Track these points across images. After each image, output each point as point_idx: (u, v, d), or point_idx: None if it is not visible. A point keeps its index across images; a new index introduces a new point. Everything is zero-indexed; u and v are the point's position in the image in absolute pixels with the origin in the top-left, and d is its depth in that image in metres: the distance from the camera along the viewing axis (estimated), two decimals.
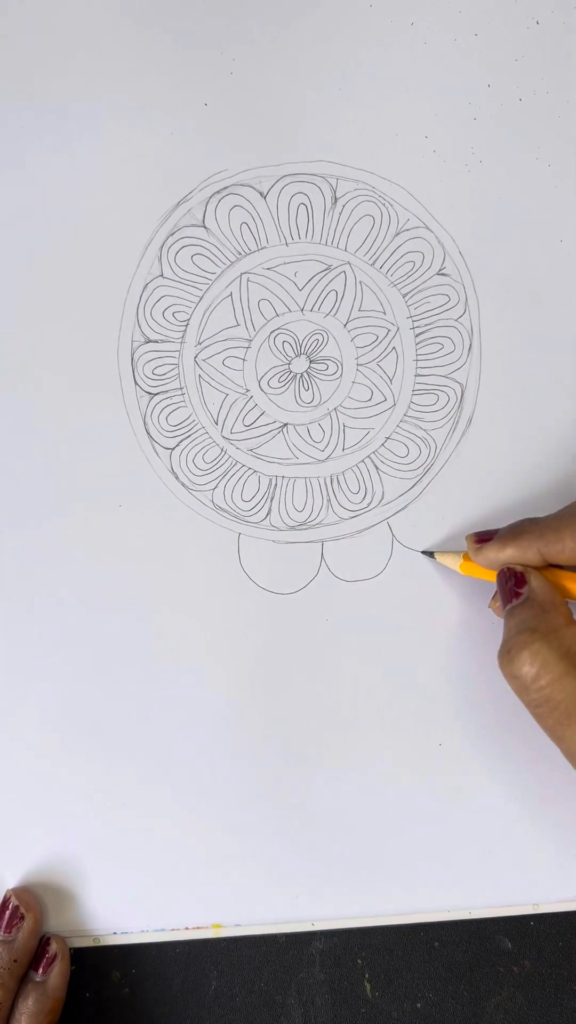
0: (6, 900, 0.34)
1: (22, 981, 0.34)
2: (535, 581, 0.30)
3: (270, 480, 0.36)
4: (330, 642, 0.36)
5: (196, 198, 0.36)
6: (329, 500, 0.36)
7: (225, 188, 0.36)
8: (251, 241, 0.36)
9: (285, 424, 0.36)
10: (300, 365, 0.36)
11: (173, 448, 0.36)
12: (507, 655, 0.29)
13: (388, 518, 0.36)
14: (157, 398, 0.36)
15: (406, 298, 0.36)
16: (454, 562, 0.34)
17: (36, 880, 0.36)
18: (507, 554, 0.31)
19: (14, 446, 0.36)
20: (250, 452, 0.36)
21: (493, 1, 0.36)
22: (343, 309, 0.36)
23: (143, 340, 0.36)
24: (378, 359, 0.36)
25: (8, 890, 0.35)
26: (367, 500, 0.36)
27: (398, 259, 0.36)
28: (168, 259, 0.36)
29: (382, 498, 0.36)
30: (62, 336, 0.36)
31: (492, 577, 0.32)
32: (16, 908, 0.34)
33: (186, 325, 0.36)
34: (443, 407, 0.37)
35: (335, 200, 0.36)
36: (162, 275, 0.36)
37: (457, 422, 0.37)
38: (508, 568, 0.31)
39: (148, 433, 0.36)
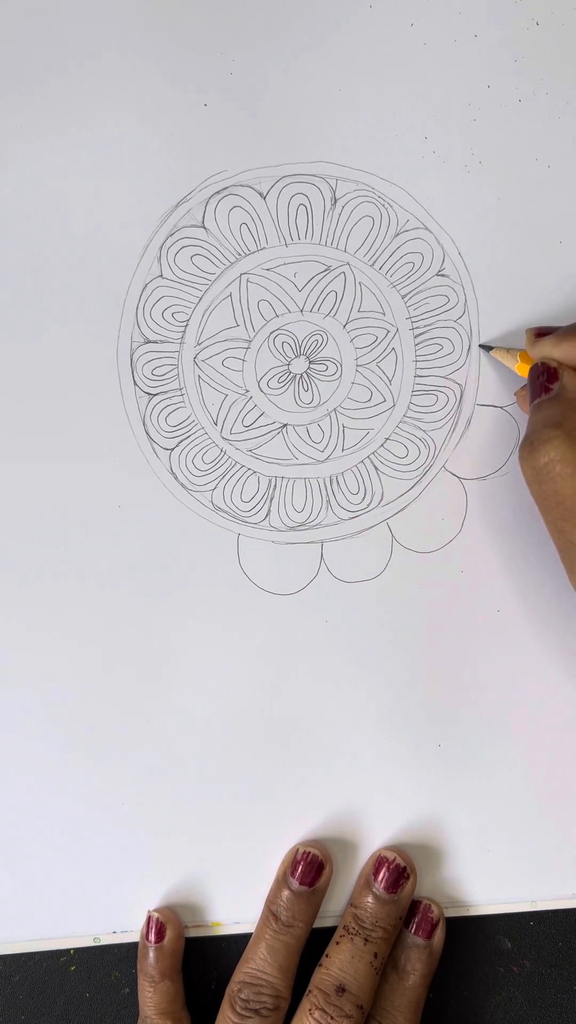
0: (384, 858, 0.35)
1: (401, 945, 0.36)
2: (568, 378, 0.30)
3: (270, 481, 0.36)
4: (330, 643, 0.36)
5: (195, 199, 0.36)
6: (329, 501, 0.36)
7: (225, 189, 0.36)
8: (251, 242, 0.36)
9: (284, 425, 0.36)
10: (299, 366, 0.36)
11: (172, 449, 0.36)
12: (529, 446, 0.30)
13: (388, 519, 0.36)
14: (156, 399, 0.36)
15: (405, 299, 0.36)
16: (512, 360, 0.34)
17: (35, 880, 0.36)
18: (561, 349, 0.31)
19: (13, 446, 0.36)
20: (249, 453, 0.36)
21: (493, 2, 0.36)
22: (342, 310, 0.36)
23: (142, 341, 0.36)
24: (377, 360, 0.36)
25: (384, 849, 0.36)
26: (367, 501, 0.36)
27: (397, 260, 0.36)
28: (167, 259, 0.36)
29: (381, 499, 0.36)
30: (61, 336, 0.36)
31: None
32: (402, 868, 0.35)
33: (185, 326, 0.36)
34: (442, 408, 0.37)
35: (335, 201, 0.36)
36: (161, 275, 0.36)
37: (456, 423, 0.37)
38: (543, 363, 0.31)
39: (147, 434, 0.36)
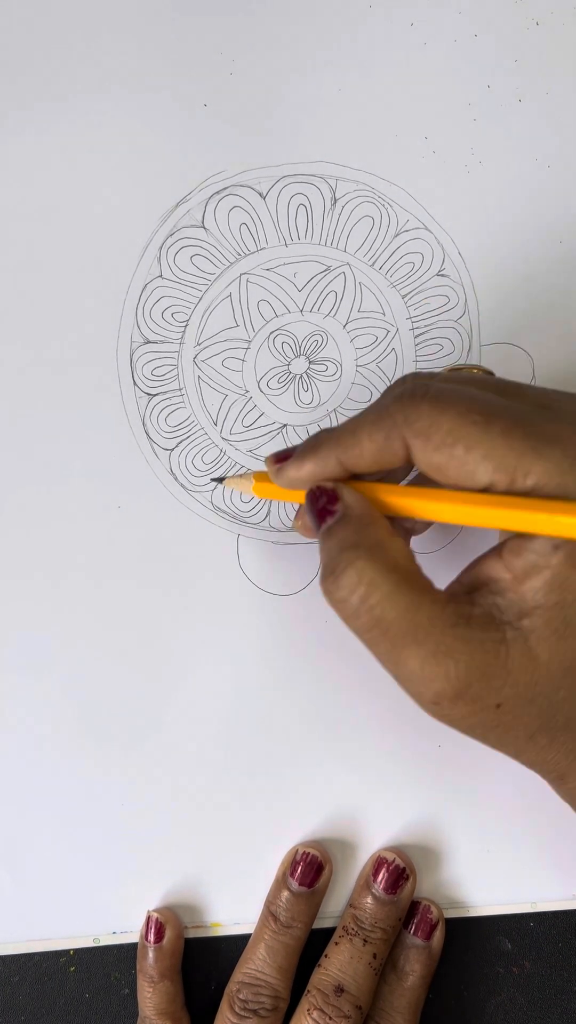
0: (383, 859, 0.35)
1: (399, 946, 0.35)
2: (348, 496, 0.27)
3: None
4: (330, 643, 0.36)
5: (195, 199, 0.36)
6: None
7: (224, 189, 0.36)
8: (250, 242, 0.36)
9: (284, 425, 0.36)
10: (299, 366, 0.36)
11: (172, 449, 0.36)
12: (332, 578, 0.25)
13: None
14: (156, 399, 0.36)
15: (406, 299, 0.36)
16: (246, 485, 0.31)
17: (35, 881, 0.36)
18: (307, 469, 0.27)
19: (13, 446, 0.36)
20: (249, 453, 0.36)
21: (493, 2, 0.36)
22: (342, 310, 0.36)
23: (142, 341, 0.36)
24: (377, 360, 0.36)
25: (384, 850, 0.35)
26: None
27: (398, 260, 0.36)
28: (167, 260, 0.36)
29: None
30: (61, 336, 0.36)
31: (295, 498, 0.29)
32: (401, 869, 0.35)
33: (185, 326, 0.36)
34: None
35: (335, 201, 0.36)
36: (161, 276, 0.36)
37: None
38: (318, 486, 0.27)
39: (147, 434, 0.36)
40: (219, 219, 0.36)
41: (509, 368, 0.36)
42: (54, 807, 0.36)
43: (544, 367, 0.37)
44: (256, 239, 0.36)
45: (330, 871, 0.36)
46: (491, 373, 0.31)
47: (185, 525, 0.36)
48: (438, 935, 0.35)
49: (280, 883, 0.35)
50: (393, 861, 0.35)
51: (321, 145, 0.36)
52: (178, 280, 0.36)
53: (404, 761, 0.36)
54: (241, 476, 0.32)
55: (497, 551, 0.25)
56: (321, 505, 0.27)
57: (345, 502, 0.27)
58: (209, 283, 0.36)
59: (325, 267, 0.36)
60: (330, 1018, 0.32)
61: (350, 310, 0.36)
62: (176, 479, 0.36)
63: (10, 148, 0.35)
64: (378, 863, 0.35)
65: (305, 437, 0.36)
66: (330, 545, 0.26)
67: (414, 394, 0.25)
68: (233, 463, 0.36)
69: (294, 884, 0.35)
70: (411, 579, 0.25)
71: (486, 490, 0.24)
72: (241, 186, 0.36)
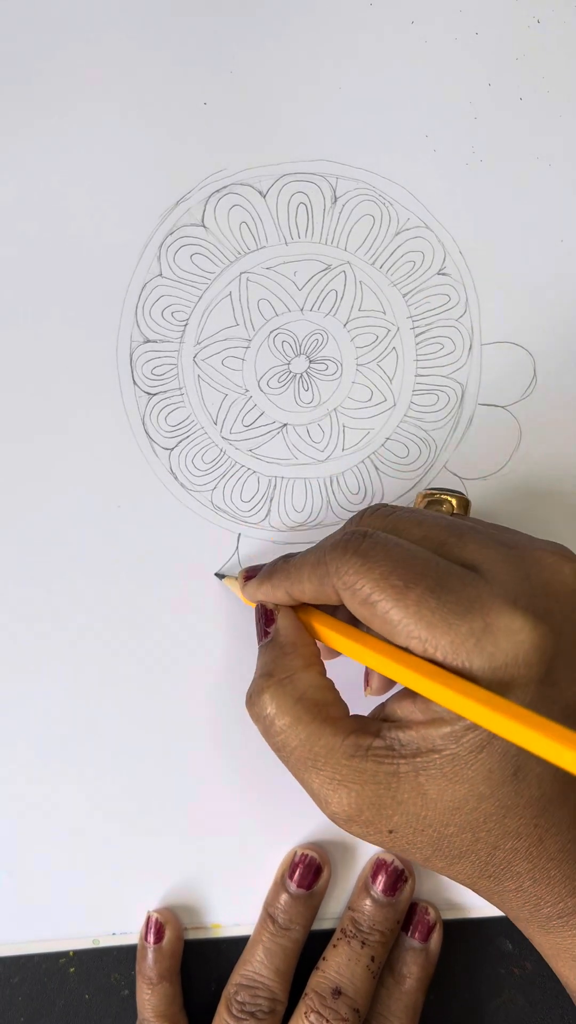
0: (383, 861, 0.35)
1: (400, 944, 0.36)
2: (282, 621, 0.30)
3: (269, 480, 0.36)
4: None
5: (195, 197, 0.35)
6: (329, 501, 0.36)
7: (224, 187, 0.36)
8: (250, 240, 0.36)
9: (284, 424, 0.36)
10: (300, 365, 0.36)
11: (172, 448, 0.36)
12: (249, 698, 0.29)
13: None
14: (156, 398, 0.36)
15: (406, 298, 0.36)
16: (238, 590, 0.33)
17: (34, 882, 0.36)
18: (262, 591, 0.30)
19: (12, 446, 0.35)
20: (249, 452, 0.36)
21: (493, 0, 0.36)
22: (343, 309, 0.36)
23: (142, 340, 0.36)
24: (378, 359, 0.36)
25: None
26: (367, 501, 0.36)
27: (398, 259, 0.36)
28: (167, 258, 0.36)
29: (382, 499, 0.36)
30: (60, 335, 0.35)
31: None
32: (400, 871, 0.35)
33: (185, 325, 0.36)
34: (443, 407, 0.36)
35: (335, 199, 0.36)
36: (161, 274, 0.36)
37: (457, 422, 0.36)
38: (261, 605, 0.30)
39: (147, 433, 0.36)
40: (219, 218, 0.36)
41: (510, 367, 0.36)
42: (54, 808, 0.36)
43: (545, 365, 0.36)
44: (256, 238, 0.36)
45: (329, 873, 0.35)
46: (465, 500, 0.33)
47: (185, 524, 0.36)
48: (436, 937, 0.35)
49: (279, 885, 0.35)
50: (392, 863, 0.35)
51: (321, 143, 0.36)
52: (178, 279, 0.36)
53: None
54: (234, 579, 0.34)
55: (412, 692, 0.27)
56: (260, 625, 0.30)
57: (277, 627, 0.29)
58: (209, 282, 0.36)
59: (325, 266, 0.36)
60: (327, 1021, 0.32)
61: (350, 309, 0.36)
62: (176, 478, 0.36)
63: (10, 147, 0.35)
64: (377, 865, 0.35)
65: (305, 437, 0.36)
66: (258, 665, 0.29)
67: (347, 546, 0.27)
68: (233, 462, 0.36)
69: (292, 886, 0.35)
70: (314, 710, 0.27)
71: (405, 648, 0.26)
72: (241, 184, 0.36)
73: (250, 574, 0.32)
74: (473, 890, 0.28)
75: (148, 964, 0.35)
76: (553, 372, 0.37)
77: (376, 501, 0.36)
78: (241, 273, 0.36)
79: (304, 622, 0.30)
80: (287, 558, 0.30)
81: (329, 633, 0.29)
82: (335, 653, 0.32)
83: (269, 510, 0.36)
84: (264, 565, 0.31)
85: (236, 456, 0.36)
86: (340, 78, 0.36)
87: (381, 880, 0.35)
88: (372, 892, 0.35)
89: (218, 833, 0.36)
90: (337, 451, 0.36)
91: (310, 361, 0.36)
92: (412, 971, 0.35)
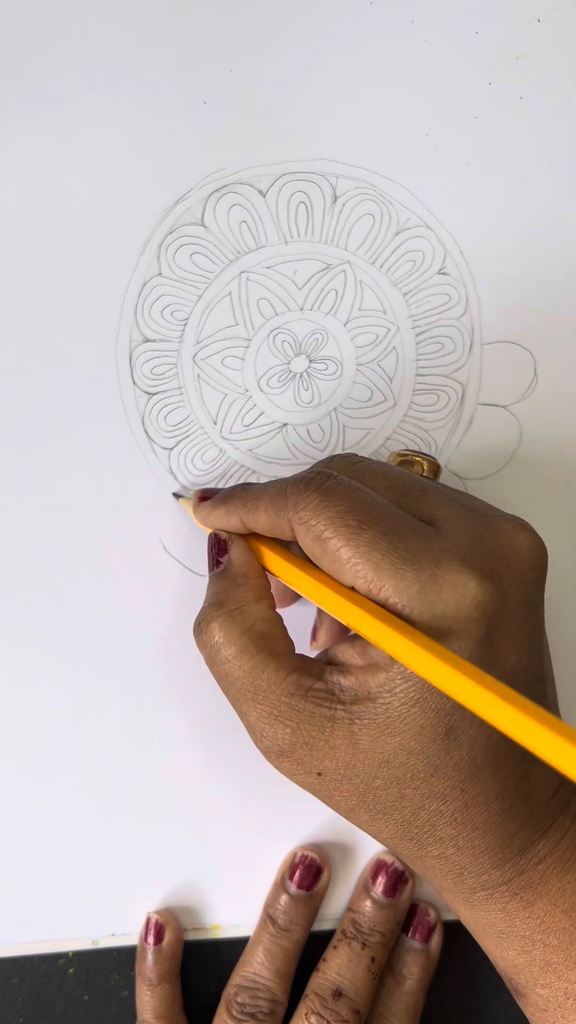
0: (382, 862, 0.35)
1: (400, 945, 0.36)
2: (235, 551, 0.29)
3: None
4: None
5: (195, 196, 0.35)
6: None
7: (224, 186, 0.35)
8: (250, 240, 0.36)
9: (284, 424, 0.36)
10: (299, 365, 0.36)
11: (172, 448, 0.36)
12: (197, 626, 0.29)
13: None
14: (155, 398, 0.36)
15: (406, 297, 0.36)
16: (189, 508, 0.33)
17: (34, 882, 0.36)
18: (215, 515, 0.30)
19: (11, 446, 0.35)
20: (249, 452, 0.36)
21: None
22: (343, 308, 0.36)
23: (141, 339, 0.36)
24: (378, 359, 0.36)
25: (384, 853, 0.35)
26: None
27: (398, 258, 0.36)
28: (167, 257, 0.35)
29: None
30: (60, 335, 0.35)
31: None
32: (400, 872, 0.35)
33: (185, 324, 0.36)
34: (444, 407, 0.36)
35: (335, 199, 0.36)
36: (160, 274, 0.36)
37: (458, 422, 0.36)
38: (214, 534, 0.30)
39: (147, 433, 0.36)
40: (219, 217, 0.35)
41: (511, 367, 0.36)
42: (53, 808, 0.36)
43: (546, 365, 0.36)
44: (256, 237, 0.36)
45: (329, 874, 0.35)
46: (436, 464, 0.33)
47: (185, 524, 0.36)
48: (436, 938, 0.35)
49: (279, 886, 0.35)
50: (392, 864, 0.35)
51: (321, 143, 0.36)
52: (178, 278, 0.36)
53: None
54: (189, 499, 0.33)
55: (354, 637, 0.27)
56: (212, 554, 0.30)
57: (230, 556, 0.29)
58: (209, 281, 0.36)
59: (325, 265, 0.36)
60: (328, 1022, 0.32)
61: (350, 308, 0.36)
62: (176, 478, 0.36)
63: (10, 146, 0.35)
64: (377, 866, 0.35)
65: (305, 437, 0.36)
66: (207, 595, 0.29)
67: (310, 483, 0.27)
68: (232, 462, 0.36)
69: (292, 887, 0.35)
70: (260, 643, 0.27)
71: (351, 588, 0.26)
72: (241, 184, 0.35)
73: (205, 495, 0.31)
74: (397, 853, 0.28)
75: (148, 965, 0.35)
76: (554, 372, 0.36)
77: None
78: (241, 272, 0.36)
79: (255, 551, 0.30)
80: (245, 486, 0.30)
81: (278, 563, 0.28)
82: (284, 603, 0.32)
83: None
84: (221, 489, 0.31)
85: (236, 456, 0.36)
86: (340, 77, 0.36)
87: (381, 881, 0.35)
88: (372, 893, 0.35)
89: (218, 834, 0.36)
90: (337, 451, 0.36)
91: (310, 361, 0.36)
92: (413, 972, 0.35)
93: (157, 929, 0.35)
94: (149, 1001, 0.34)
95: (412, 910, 0.35)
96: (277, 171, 0.36)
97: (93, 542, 0.36)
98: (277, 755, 0.27)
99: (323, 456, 0.36)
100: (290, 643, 0.29)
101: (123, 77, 0.35)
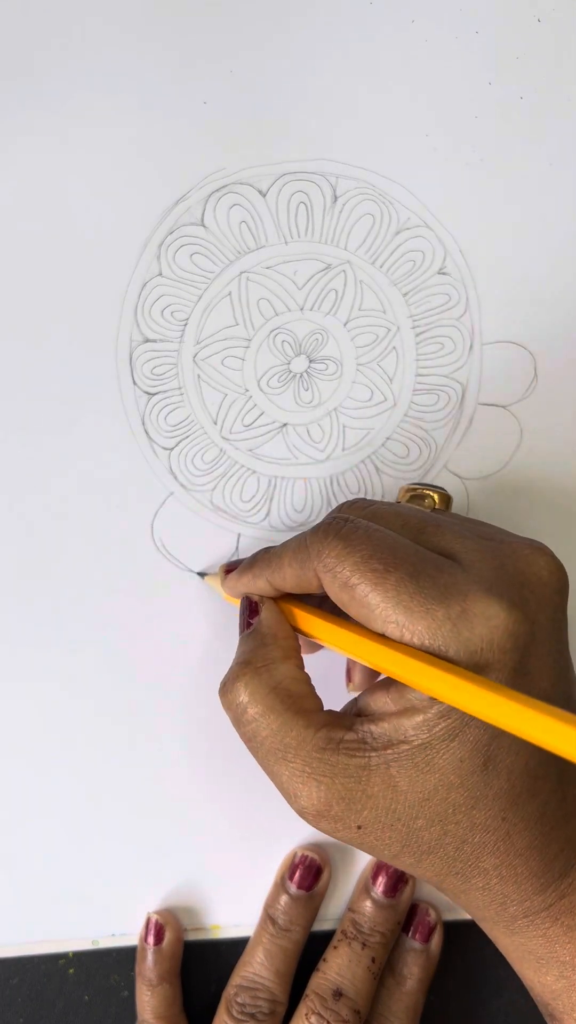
0: (381, 865, 0.35)
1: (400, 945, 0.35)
2: (265, 612, 0.29)
3: (269, 480, 0.36)
4: None
5: (195, 196, 0.35)
6: (329, 501, 0.36)
7: (224, 186, 0.35)
8: (250, 240, 0.36)
9: (284, 424, 0.36)
10: (300, 365, 0.36)
11: (172, 448, 0.36)
12: (223, 686, 0.28)
13: None
14: (156, 398, 0.36)
15: (406, 297, 0.36)
16: (219, 586, 0.33)
17: (34, 883, 0.36)
18: (243, 583, 0.30)
19: (10, 446, 0.35)
20: (249, 452, 0.36)
21: None
22: (343, 308, 0.36)
23: (141, 339, 0.36)
24: (378, 359, 0.36)
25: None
26: None
27: (398, 258, 0.36)
28: (167, 258, 0.35)
29: (382, 499, 0.36)
30: (59, 335, 0.35)
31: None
32: (399, 874, 0.35)
33: (185, 324, 0.36)
34: (444, 407, 0.36)
35: (335, 199, 0.36)
36: (161, 274, 0.36)
37: (458, 422, 0.36)
38: (246, 597, 0.30)
39: (147, 433, 0.36)
40: (219, 217, 0.35)
41: (511, 367, 0.36)
42: (53, 809, 0.36)
43: (546, 365, 0.36)
44: (256, 237, 0.36)
45: (329, 874, 0.35)
46: (447, 496, 0.33)
47: (185, 524, 0.36)
48: (436, 938, 0.35)
49: (279, 886, 0.35)
50: (393, 869, 0.35)
51: (321, 143, 0.36)
52: (178, 278, 0.36)
53: None
54: (216, 576, 0.34)
55: (386, 684, 0.27)
56: (244, 616, 0.30)
57: (260, 617, 0.29)
58: (209, 281, 0.36)
59: (325, 265, 0.36)
60: (328, 1022, 0.32)
61: (351, 308, 0.36)
62: (176, 478, 0.36)
63: (10, 146, 0.35)
64: (377, 866, 0.35)
65: (305, 437, 0.36)
66: (236, 653, 0.29)
67: (329, 529, 0.27)
68: (232, 462, 0.36)
69: (292, 887, 0.35)
70: (288, 701, 0.27)
71: (382, 634, 0.26)
72: (241, 184, 0.35)
73: (230, 568, 0.32)
74: (440, 889, 0.28)
75: (148, 966, 0.35)
76: (554, 372, 0.36)
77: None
78: (241, 272, 0.36)
79: (286, 612, 0.30)
80: (267, 549, 0.30)
81: (309, 619, 0.29)
82: (316, 647, 0.32)
83: (269, 510, 0.36)
84: (238, 560, 0.32)
85: (236, 456, 0.36)
86: (340, 77, 0.36)
87: (381, 881, 0.35)
88: (372, 893, 0.35)
89: (218, 834, 0.36)
90: (337, 451, 0.36)
91: (310, 361, 0.36)
92: (413, 972, 0.35)
93: (157, 929, 0.35)
94: (149, 1001, 0.34)
95: (412, 910, 0.35)
96: (277, 171, 0.36)
97: (93, 542, 0.36)
98: (314, 815, 0.26)
99: (322, 455, 0.36)
100: (318, 700, 0.28)
101: (123, 77, 0.35)
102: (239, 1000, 0.33)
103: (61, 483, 0.35)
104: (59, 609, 0.36)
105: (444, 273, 0.36)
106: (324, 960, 0.34)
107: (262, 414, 0.36)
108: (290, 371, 0.36)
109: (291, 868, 0.35)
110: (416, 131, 0.36)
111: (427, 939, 0.35)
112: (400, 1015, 0.34)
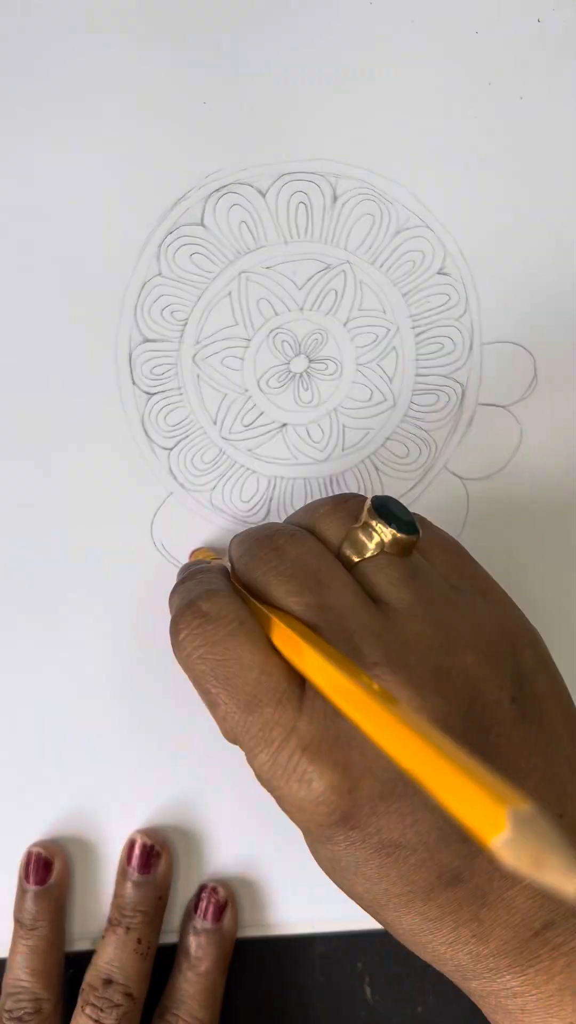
0: (132, 840, 0.35)
1: (190, 932, 0.35)
2: None
3: (269, 481, 0.36)
4: None
5: (195, 196, 0.35)
6: None
7: (224, 186, 0.35)
8: (250, 240, 0.36)
9: (284, 424, 0.36)
10: (299, 365, 0.36)
11: (171, 448, 0.36)
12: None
13: None
14: (155, 398, 0.36)
15: (406, 297, 0.36)
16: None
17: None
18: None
19: (10, 445, 0.35)
20: (249, 452, 0.36)
21: None
22: (342, 308, 0.36)
23: (141, 339, 0.36)
24: (378, 359, 0.36)
25: (134, 832, 0.35)
26: None
27: (398, 258, 0.36)
28: (166, 257, 0.35)
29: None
30: (59, 335, 0.35)
31: None
32: (150, 847, 0.35)
33: (184, 324, 0.36)
34: (443, 407, 0.36)
35: (335, 199, 0.36)
36: (160, 274, 0.36)
37: (458, 422, 0.36)
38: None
39: (146, 433, 0.36)
40: (219, 217, 0.35)
41: (511, 367, 0.36)
42: (50, 806, 0.36)
43: (545, 365, 0.36)
44: (256, 237, 0.36)
45: (64, 867, 0.35)
46: (405, 541, 0.27)
47: (184, 524, 0.36)
48: (229, 916, 0.35)
49: (19, 888, 0.35)
50: (141, 841, 0.35)
51: (321, 143, 0.36)
52: (177, 278, 0.36)
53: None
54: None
55: None
56: None
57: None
58: (208, 281, 0.36)
59: (325, 265, 0.36)
60: (101, 1010, 0.33)
61: (350, 308, 0.36)
62: (175, 478, 0.36)
63: (8, 146, 0.35)
64: (128, 846, 0.35)
65: (304, 437, 0.36)
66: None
67: (186, 611, 0.28)
68: (232, 462, 0.36)
69: (28, 884, 0.35)
70: None
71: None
72: (241, 184, 0.35)
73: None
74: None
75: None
76: (554, 372, 0.36)
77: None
78: (240, 272, 0.36)
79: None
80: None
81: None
82: None
83: (268, 510, 0.36)
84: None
85: (235, 456, 0.36)
86: (339, 77, 0.36)
87: (135, 859, 0.35)
88: (128, 875, 0.35)
89: (218, 835, 0.36)
90: (337, 451, 0.36)
91: (310, 361, 0.36)
92: (207, 952, 0.34)
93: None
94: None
95: (200, 892, 0.35)
96: (277, 171, 0.36)
97: (92, 541, 0.35)
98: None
99: (322, 455, 0.36)
100: None
101: (122, 77, 0.35)
102: (6, 1008, 0.33)
103: (60, 482, 0.35)
104: (58, 609, 0.36)
105: (444, 273, 0.36)
106: (95, 952, 0.34)
107: (262, 414, 0.36)
108: (290, 371, 0.36)
109: (24, 867, 0.35)
110: (416, 131, 0.36)
111: (219, 919, 0.35)
112: (197, 997, 0.34)
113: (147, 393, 0.36)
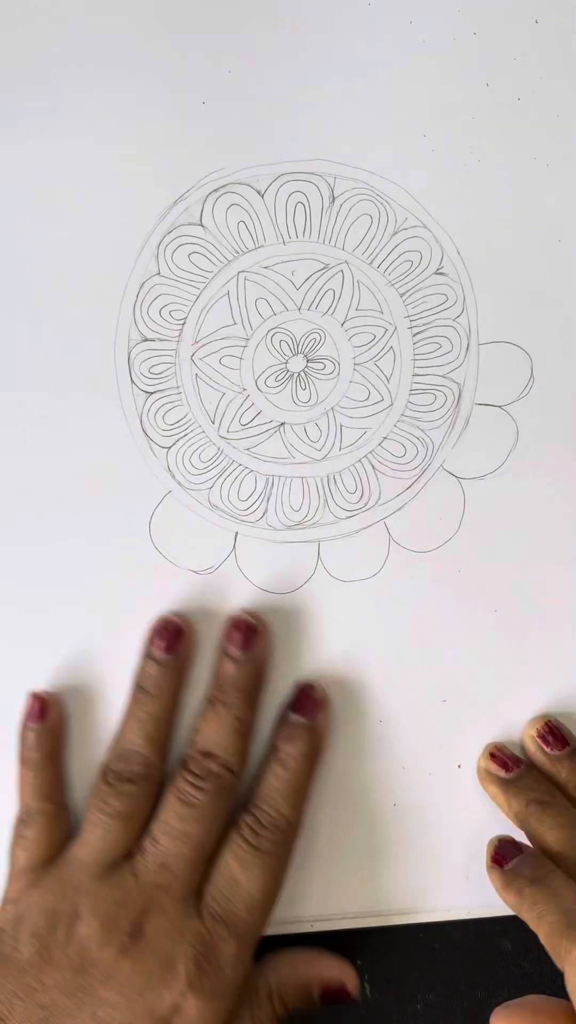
0: (233, 617, 0.35)
1: (283, 729, 0.35)
2: None
3: (267, 479, 0.36)
4: (326, 642, 0.36)
5: (193, 196, 0.36)
6: (326, 500, 0.36)
7: (222, 186, 0.36)
8: (248, 239, 0.36)
9: (282, 423, 0.36)
10: (297, 364, 0.36)
11: (170, 447, 0.36)
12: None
13: (385, 518, 0.36)
14: (154, 397, 0.36)
15: (404, 297, 0.36)
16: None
17: None
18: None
19: (9, 445, 0.36)
20: (247, 451, 0.36)
21: (492, 0, 0.36)
22: (340, 308, 0.36)
23: (140, 339, 0.36)
24: (375, 358, 0.36)
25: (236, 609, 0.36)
26: (364, 500, 0.36)
27: (396, 258, 0.36)
28: (165, 257, 0.36)
29: (379, 498, 0.36)
30: (58, 334, 0.35)
31: None
32: (251, 624, 0.35)
33: (183, 323, 0.36)
34: (441, 407, 0.36)
35: (333, 199, 0.36)
36: (159, 273, 0.36)
37: (455, 422, 0.37)
38: None
39: (145, 432, 0.36)
40: (217, 217, 0.36)
41: (508, 367, 0.36)
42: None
43: (542, 365, 0.36)
44: (254, 237, 0.36)
45: (190, 636, 0.35)
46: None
47: (183, 523, 0.36)
48: (323, 715, 0.35)
49: (145, 655, 0.35)
50: (243, 618, 0.35)
51: (319, 143, 0.36)
52: (176, 278, 0.36)
53: (403, 760, 0.36)
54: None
55: None
56: None
57: None
58: (207, 281, 0.36)
59: (323, 265, 0.36)
60: (199, 777, 0.33)
61: (348, 308, 0.36)
62: (173, 477, 0.36)
63: (8, 145, 0.35)
64: (229, 624, 0.35)
65: (302, 436, 0.36)
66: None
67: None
68: (230, 461, 0.36)
69: (155, 652, 0.35)
70: None
71: None
72: (239, 184, 0.36)
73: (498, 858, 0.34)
74: None
75: (30, 745, 0.35)
76: (550, 372, 0.37)
77: (372, 501, 0.36)
78: (239, 272, 0.36)
79: None
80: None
81: None
82: None
83: (266, 509, 0.36)
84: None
85: (233, 455, 0.36)
86: (338, 78, 0.36)
87: (235, 637, 0.35)
88: (229, 652, 0.35)
89: None
90: (334, 450, 0.36)
91: (307, 360, 0.36)
92: (298, 748, 0.34)
93: (40, 706, 0.35)
94: (32, 782, 0.34)
95: (297, 689, 0.35)
96: (275, 171, 0.36)
97: (90, 540, 0.36)
98: None
99: (320, 454, 0.36)
100: None
101: (122, 77, 0.35)
102: (114, 768, 0.34)
103: (59, 482, 0.36)
104: (56, 608, 0.36)
105: (441, 273, 0.36)
106: (194, 730, 0.34)
107: (260, 413, 0.36)
108: (288, 370, 0.36)
109: (153, 633, 0.35)
110: (414, 132, 0.36)
111: (313, 714, 0.35)
112: (286, 794, 0.34)
113: (146, 392, 0.36)
